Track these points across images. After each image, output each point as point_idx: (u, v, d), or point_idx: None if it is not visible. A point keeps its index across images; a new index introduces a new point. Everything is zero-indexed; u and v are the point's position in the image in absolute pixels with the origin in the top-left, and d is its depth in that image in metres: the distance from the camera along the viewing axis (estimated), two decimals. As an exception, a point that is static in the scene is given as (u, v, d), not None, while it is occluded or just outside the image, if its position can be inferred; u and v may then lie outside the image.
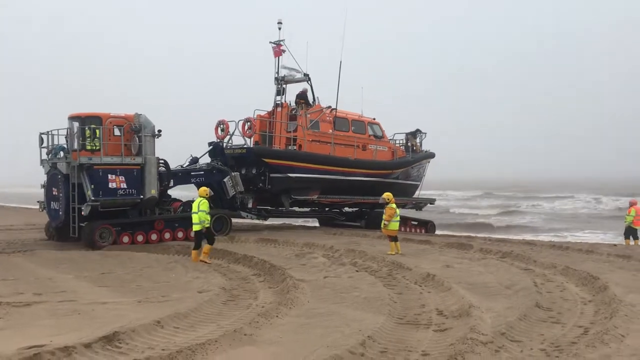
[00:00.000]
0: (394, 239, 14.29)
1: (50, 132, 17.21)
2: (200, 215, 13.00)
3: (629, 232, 19.06)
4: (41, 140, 17.38)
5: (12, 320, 7.74)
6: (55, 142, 17.23)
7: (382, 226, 14.52)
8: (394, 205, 14.40)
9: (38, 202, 18.65)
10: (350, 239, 17.70)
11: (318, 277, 11.01)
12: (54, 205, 17.00)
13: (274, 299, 9.29)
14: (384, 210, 14.46)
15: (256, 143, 21.15)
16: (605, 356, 6.23)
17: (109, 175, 16.32)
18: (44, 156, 17.55)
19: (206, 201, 13.31)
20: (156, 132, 17.31)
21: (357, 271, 11.71)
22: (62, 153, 16.71)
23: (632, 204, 19.29)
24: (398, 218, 14.57)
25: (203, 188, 13.94)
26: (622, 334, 7.01)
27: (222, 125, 21.49)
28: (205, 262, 12.92)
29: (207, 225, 13.18)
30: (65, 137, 17.08)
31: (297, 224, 25.08)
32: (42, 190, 17.78)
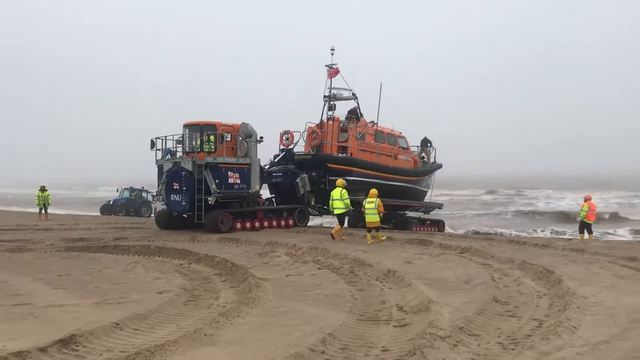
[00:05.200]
0: (372, 229, 16.01)
1: (162, 137, 20.29)
2: (346, 202, 16.77)
3: (583, 226, 19.69)
4: (152, 144, 20.20)
5: (-37, 326, 7.48)
6: (158, 147, 20.27)
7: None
8: (368, 200, 16.10)
9: (152, 195, 22.05)
10: (313, 236, 17.75)
11: (280, 276, 11.02)
12: (174, 197, 19.79)
13: (236, 298, 9.26)
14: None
15: (316, 150, 23.69)
16: (558, 347, 6.42)
17: (229, 172, 19.69)
18: (159, 157, 20.40)
19: (346, 191, 16.87)
20: (259, 138, 20.64)
21: (319, 269, 11.76)
22: (168, 155, 20.15)
23: (586, 199, 19.90)
24: (375, 211, 15.89)
25: (340, 180, 17.64)
26: (575, 325, 7.25)
27: (287, 135, 23.93)
28: (342, 239, 16.32)
29: (352, 208, 17.05)
30: (177, 141, 20.40)
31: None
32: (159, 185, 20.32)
